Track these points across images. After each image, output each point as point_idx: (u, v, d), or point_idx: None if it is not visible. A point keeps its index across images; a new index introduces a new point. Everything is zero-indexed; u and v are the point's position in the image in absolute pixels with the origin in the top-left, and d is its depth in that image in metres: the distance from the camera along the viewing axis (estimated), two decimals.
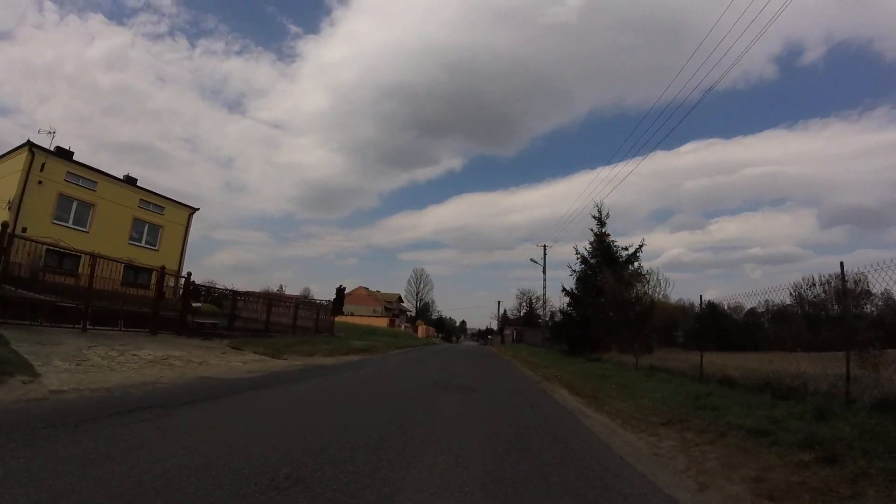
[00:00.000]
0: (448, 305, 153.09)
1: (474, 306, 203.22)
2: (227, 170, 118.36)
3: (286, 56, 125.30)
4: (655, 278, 19.66)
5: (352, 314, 69.25)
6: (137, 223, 30.62)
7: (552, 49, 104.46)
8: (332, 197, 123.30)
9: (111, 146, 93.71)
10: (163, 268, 14.87)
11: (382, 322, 62.00)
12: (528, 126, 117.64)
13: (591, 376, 12.00)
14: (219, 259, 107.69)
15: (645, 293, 19.82)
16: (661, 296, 19.23)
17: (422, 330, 62.90)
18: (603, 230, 24.02)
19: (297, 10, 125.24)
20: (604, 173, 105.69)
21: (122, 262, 15.38)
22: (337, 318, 60.84)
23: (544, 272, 34.22)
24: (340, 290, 75.63)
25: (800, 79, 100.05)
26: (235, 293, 21.04)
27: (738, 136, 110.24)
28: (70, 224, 25.78)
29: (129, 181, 31.44)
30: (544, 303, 34.56)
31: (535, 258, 35.66)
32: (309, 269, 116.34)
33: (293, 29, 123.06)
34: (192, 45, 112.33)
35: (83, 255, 12.97)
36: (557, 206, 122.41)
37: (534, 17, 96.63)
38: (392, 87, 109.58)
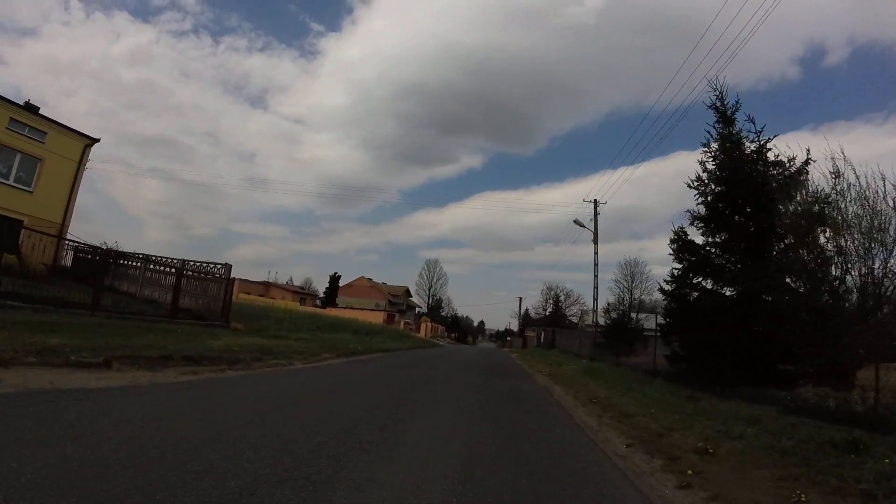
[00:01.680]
0: (466, 305, 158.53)
1: (492, 304, 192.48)
2: (249, 164, 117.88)
3: (308, 53, 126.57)
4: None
5: (351, 307, 57.94)
6: (5, 152, 20.16)
7: (570, 49, 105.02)
8: (352, 193, 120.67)
9: (135, 140, 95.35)
10: None
11: (378, 317, 50.46)
12: (546, 125, 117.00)
13: None
14: (239, 252, 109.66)
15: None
16: None
17: (425, 328, 51.03)
18: (731, 131, 11.67)
19: (319, 8, 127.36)
20: (625, 173, 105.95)
21: None
22: (325, 311, 49.55)
23: (596, 240, 22.09)
24: (334, 278, 64.38)
25: (823, 81, 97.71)
26: None
27: (762, 137, 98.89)
28: None
29: (30, 108, 21.32)
30: (596, 289, 22.31)
31: (580, 219, 23.46)
32: (328, 265, 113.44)
33: (315, 27, 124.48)
34: (216, 42, 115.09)
35: None
36: (579, 206, 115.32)
37: (551, 17, 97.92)
38: (410, 85, 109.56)
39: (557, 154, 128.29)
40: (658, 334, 12.84)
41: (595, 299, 22.71)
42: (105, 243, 21.40)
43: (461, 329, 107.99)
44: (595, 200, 22.77)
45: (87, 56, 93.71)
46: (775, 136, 12.68)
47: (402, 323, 50.01)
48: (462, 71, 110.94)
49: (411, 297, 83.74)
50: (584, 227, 22.93)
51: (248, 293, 46.86)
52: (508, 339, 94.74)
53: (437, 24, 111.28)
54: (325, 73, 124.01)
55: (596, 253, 22.20)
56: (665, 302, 11.42)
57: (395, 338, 29.64)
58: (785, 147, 16.17)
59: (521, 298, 73.72)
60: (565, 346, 28.35)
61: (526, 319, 78.94)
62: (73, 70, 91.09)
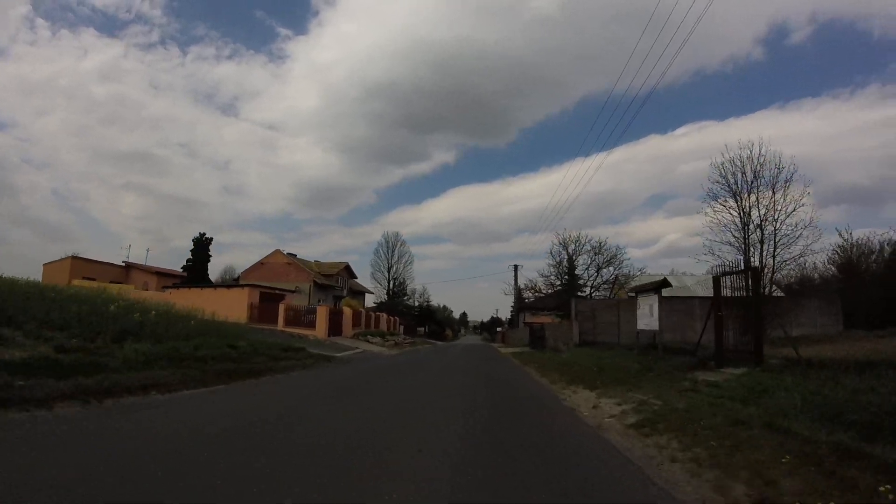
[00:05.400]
0: (449, 298, 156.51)
1: (476, 292, 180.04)
2: (225, 173, 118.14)
3: (277, 58, 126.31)
4: None
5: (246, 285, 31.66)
6: None
7: (538, 41, 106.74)
8: (329, 195, 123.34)
9: (110, 156, 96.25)
10: None
11: (239, 304, 24.88)
12: (518, 117, 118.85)
13: None
14: (221, 261, 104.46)
15: None
16: None
17: (329, 321, 23.99)
18: None
19: (284, 12, 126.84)
20: (599, 160, 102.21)
21: None
22: (167, 295, 24.11)
23: None
24: (201, 244, 37.35)
25: (788, 59, 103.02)
26: None
27: (732, 117, 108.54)
28: None
29: None
30: None
31: None
32: None
33: (282, 31, 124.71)
34: (184, 52, 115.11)
35: None
36: (554, 194, 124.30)
37: (517, 10, 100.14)
38: (379, 84, 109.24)
39: (530, 145, 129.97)
40: None
41: None
42: None
43: (437, 321, 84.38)
44: None
45: (56, 74, 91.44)
46: None
47: (281, 313, 23.67)
48: (430, 67, 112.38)
49: (355, 277, 57.51)
50: None
51: (94, 279, 31.69)
52: (499, 329, 69.42)
53: (402, 21, 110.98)
54: (294, 77, 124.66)
55: None
56: None
57: None
58: None
59: (516, 266, 47.88)
60: None
61: (520, 301, 53.16)
62: (44, 88, 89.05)
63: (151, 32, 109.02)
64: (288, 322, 23.44)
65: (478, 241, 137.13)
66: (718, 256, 17.34)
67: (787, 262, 15.97)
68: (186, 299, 26.87)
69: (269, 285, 26.76)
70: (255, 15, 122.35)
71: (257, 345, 12.86)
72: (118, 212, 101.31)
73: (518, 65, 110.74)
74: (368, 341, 24.49)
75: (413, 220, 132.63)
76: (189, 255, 37.51)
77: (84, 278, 32.20)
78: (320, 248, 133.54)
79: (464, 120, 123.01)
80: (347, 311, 26.38)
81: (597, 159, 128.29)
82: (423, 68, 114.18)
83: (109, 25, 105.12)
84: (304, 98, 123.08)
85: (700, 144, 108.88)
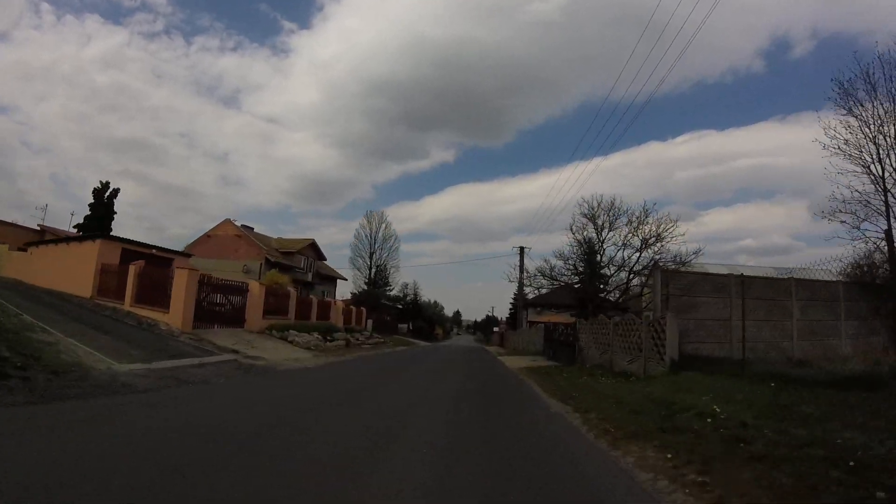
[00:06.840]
0: (443, 296, 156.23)
1: (469, 296, 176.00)
2: (223, 164, 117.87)
3: (280, 52, 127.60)
4: None
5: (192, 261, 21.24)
6: None
7: (539, 43, 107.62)
8: (327, 189, 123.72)
9: (109, 143, 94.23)
10: None
11: (84, 268, 14.73)
12: (517, 118, 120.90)
13: None
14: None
15: None
16: None
17: (247, 297, 14.61)
18: None
19: (290, 6, 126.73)
20: (596, 164, 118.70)
21: None
22: (29, 255, 16.64)
23: None
24: (102, 197, 27.37)
25: (790, 72, 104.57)
26: None
27: (732, 127, 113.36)
28: None
29: None
30: None
31: None
32: None
33: (287, 25, 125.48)
34: (188, 43, 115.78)
35: None
36: (549, 195, 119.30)
37: (517, 12, 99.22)
38: (381, 81, 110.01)
39: (529, 146, 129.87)
40: None
41: None
42: None
43: (425, 318, 75.77)
44: None
45: (59, 59, 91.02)
46: None
47: (130, 283, 13.93)
48: (431, 65, 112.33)
49: (324, 259, 47.52)
50: None
51: (4, 242, 23.61)
52: (496, 330, 59.60)
53: (404, 17, 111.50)
54: (297, 72, 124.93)
55: None
56: None
57: None
58: None
59: (522, 248, 37.70)
60: None
61: (522, 297, 43.00)
62: (46, 74, 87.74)
63: (156, 21, 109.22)
64: (140, 298, 13.54)
65: (474, 238, 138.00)
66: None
67: None
68: (42, 259, 17.69)
69: (143, 242, 16.82)
70: (260, 8, 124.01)
71: None
72: (115, 199, 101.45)
73: (518, 65, 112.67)
74: (286, 339, 14.56)
75: (411, 216, 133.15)
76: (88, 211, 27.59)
77: None
78: (317, 240, 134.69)
79: (463, 119, 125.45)
80: (255, 288, 16.28)
81: (594, 163, 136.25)
82: (424, 66, 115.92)
83: (114, 12, 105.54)
84: (305, 92, 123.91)
85: (700, 153, 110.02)
